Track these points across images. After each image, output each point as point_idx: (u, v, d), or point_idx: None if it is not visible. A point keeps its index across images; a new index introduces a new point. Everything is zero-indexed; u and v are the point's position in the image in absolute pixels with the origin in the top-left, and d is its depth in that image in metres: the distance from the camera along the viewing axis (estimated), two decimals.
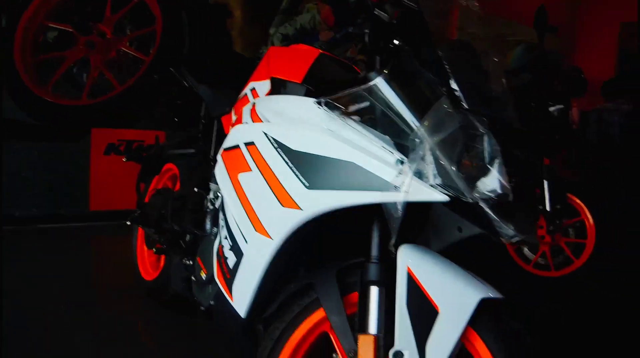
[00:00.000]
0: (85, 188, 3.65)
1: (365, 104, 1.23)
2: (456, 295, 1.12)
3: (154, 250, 2.17)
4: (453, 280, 1.15)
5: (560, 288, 3.19)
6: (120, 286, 2.69)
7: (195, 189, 2.02)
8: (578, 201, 3.23)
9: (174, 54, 3.53)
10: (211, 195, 1.93)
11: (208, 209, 1.93)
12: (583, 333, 2.65)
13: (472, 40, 1.34)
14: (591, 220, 3.18)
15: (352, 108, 1.27)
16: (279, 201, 1.26)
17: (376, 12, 1.19)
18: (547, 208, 3.13)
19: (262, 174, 1.33)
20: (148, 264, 2.52)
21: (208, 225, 1.90)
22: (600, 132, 4.79)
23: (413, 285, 1.14)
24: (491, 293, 1.13)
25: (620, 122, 4.67)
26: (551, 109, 3.37)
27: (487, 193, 1.03)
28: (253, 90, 1.70)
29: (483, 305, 1.11)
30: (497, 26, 4.88)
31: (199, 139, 2.21)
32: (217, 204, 1.78)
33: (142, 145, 2.83)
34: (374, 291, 1.19)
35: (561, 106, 3.39)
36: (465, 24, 1.34)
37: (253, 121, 1.49)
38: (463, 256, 1.33)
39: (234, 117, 1.77)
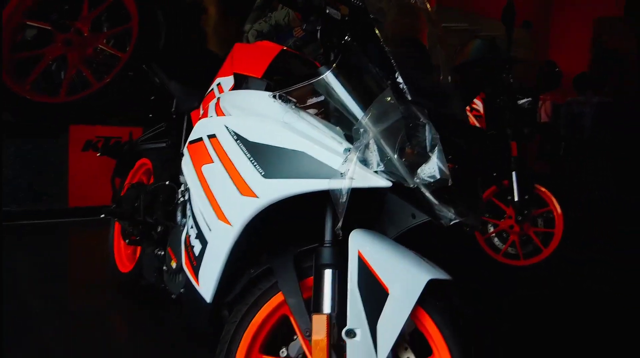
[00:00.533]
0: (64, 184, 3.69)
1: (320, 97, 1.31)
2: (405, 277, 1.19)
3: (127, 241, 2.22)
4: (402, 263, 1.22)
5: (528, 276, 3.30)
6: (97, 278, 2.74)
7: (167, 183, 2.08)
8: (546, 191, 3.32)
9: (150, 51, 3.58)
10: (182, 188, 1.99)
11: (179, 201, 2.00)
12: (550, 318, 2.75)
13: (421, 36, 1.41)
14: (559, 210, 3.28)
15: (307, 101, 1.34)
16: (238, 190, 1.33)
17: (328, 11, 1.25)
18: (516, 198, 3.23)
19: (223, 165, 1.40)
20: (124, 256, 2.58)
21: (179, 217, 1.97)
22: (571, 124, 4.90)
23: (363, 267, 1.21)
24: (440, 275, 1.21)
25: (590, 114, 4.79)
26: (520, 102, 3.46)
27: (427, 178, 1.10)
28: (219, 85, 1.76)
29: (432, 286, 1.18)
30: (468, 21, 4.98)
31: (170, 134, 2.27)
32: (187, 196, 1.84)
33: (120, 141, 2.87)
34: (327, 273, 1.26)
35: (529, 99, 3.48)
36: (415, 21, 1.41)
37: (217, 115, 1.55)
38: (422, 243, 1.41)
39: (201, 112, 1.83)
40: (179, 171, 1.95)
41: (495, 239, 3.46)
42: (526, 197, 3.24)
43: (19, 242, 3.18)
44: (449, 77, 1.32)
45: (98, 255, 2.91)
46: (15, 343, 2.00)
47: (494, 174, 3.37)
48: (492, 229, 3.44)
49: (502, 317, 2.70)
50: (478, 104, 3.46)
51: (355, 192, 1.17)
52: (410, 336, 1.34)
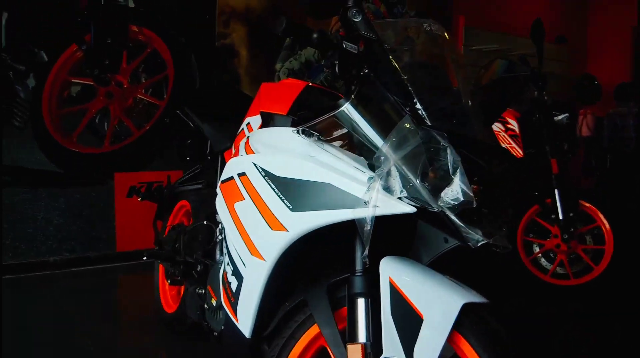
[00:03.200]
0: (112, 230, 3.81)
1: (343, 129, 1.34)
2: (439, 301, 1.18)
3: (169, 281, 2.28)
4: (436, 287, 1.21)
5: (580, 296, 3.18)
6: (144, 319, 2.81)
7: (205, 222, 2.13)
8: (592, 207, 3.23)
9: (187, 96, 3.72)
10: (220, 226, 2.04)
11: (217, 240, 2.04)
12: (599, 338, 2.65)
13: (439, 61, 1.43)
14: (607, 225, 3.18)
15: (332, 134, 1.37)
16: (268, 224, 1.35)
17: (344, 46, 1.29)
18: (560, 216, 3.15)
19: (253, 202, 1.43)
20: (169, 297, 2.64)
21: (217, 255, 2.02)
22: (614, 137, 4.77)
23: (396, 294, 1.21)
24: (475, 298, 1.19)
25: (634, 125, 4.65)
26: (557, 118, 3.41)
27: (450, 201, 1.10)
28: (248, 125, 1.81)
29: (468, 310, 1.17)
30: (499, 41, 4.97)
31: (206, 174, 2.34)
32: (224, 234, 1.88)
33: (162, 185, 2.97)
34: (360, 302, 1.26)
35: (566, 115, 3.43)
36: (433, 47, 1.42)
37: (247, 154, 1.60)
38: (459, 269, 1.39)
39: (233, 151, 1.89)
40: (215, 211, 1.99)
41: (542, 260, 3.36)
42: (571, 214, 3.16)
43: (71, 287, 3.29)
44: (470, 99, 1.33)
45: (145, 297, 2.98)
46: None
47: (536, 194, 3.30)
48: (537, 249, 3.35)
49: (549, 339, 2.61)
50: (513, 124, 3.42)
51: (384, 220, 1.18)
52: None
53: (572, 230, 3.15)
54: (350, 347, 1.22)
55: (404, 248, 1.44)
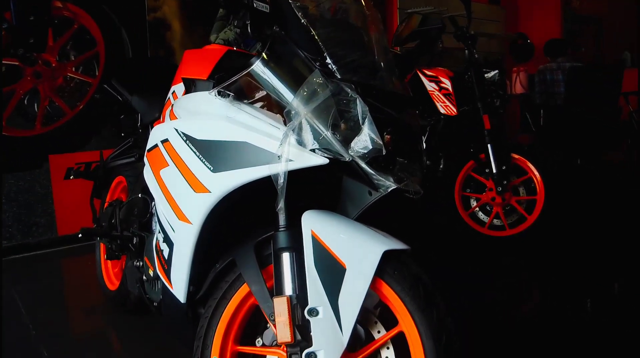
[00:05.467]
0: (51, 214, 3.72)
1: (262, 90, 1.35)
2: (360, 250, 1.22)
3: (108, 258, 2.26)
4: (356, 237, 1.25)
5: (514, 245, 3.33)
6: (89, 299, 2.78)
7: (140, 195, 2.12)
8: (523, 159, 3.35)
9: (119, 72, 3.62)
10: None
11: (153, 211, 2.03)
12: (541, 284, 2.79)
13: (353, 18, 1.45)
14: (538, 176, 3.31)
15: (250, 94, 1.38)
16: (191, 188, 1.37)
17: (255, 5, 1.29)
18: (493, 169, 3.26)
19: (176, 167, 1.44)
20: (112, 275, 2.62)
21: (154, 226, 2.01)
22: (545, 92, 4.94)
23: (318, 246, 1.24)
24: (396, 245, 1.23)
25: (563, 80, 4.82)
26: (487, 75, 3.50)
27: (360, 150, 1.14)
28: (173, 93, 1.80)
29: (390, 257, 1.21)
30: (434, 3, 5.03)
31: (138, 147, 2.31)
32: None
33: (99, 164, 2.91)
34: (284, 256, 1.29)
35: (496, 71, 3.52)
36: (343, 3, 1.44)
37: (170, 120, 1.59)
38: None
39: (162, 121, 1.87)
40: None
41: (480, 213, 3.49)
42: (504, 168, 3.27)
43: (12, 275, 3.21)
44: (383, 53, 1.36)
45: (89, 279, 2.95)
46: None
47: (471, 150, 3.41)
48: (475, 203, 3.47)
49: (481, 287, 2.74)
50: (447, 83, 3.49)
51: (305, 174, 1.20)
52: (379, 310, 1.38)
53: (505, 182, 3.27)
54: (276, 299, 1.25)
55: (332, 205, 1.47)
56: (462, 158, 3.45)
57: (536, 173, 3.32)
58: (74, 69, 3.82)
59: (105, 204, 2.62)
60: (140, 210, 2.11)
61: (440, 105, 3.46)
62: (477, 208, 3.48)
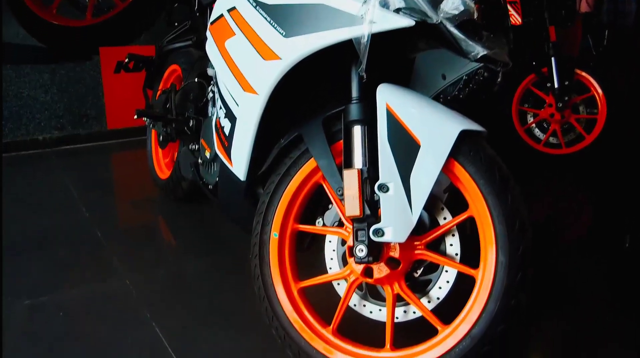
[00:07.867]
0: (101, 107, 3.74)
1: None
2: (436, 128, 1.16)
3: (161, 144, 2.26)
4: (433, 114, 1.18)
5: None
6: (140, 188, 2.84)
7: (196, 80, 2.08)
8: (587, 76, 3.18)
9: None
10: (212, 83, 1.98)
11: (209, 97, 2.00)
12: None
13: None
14: (601, 94, 3.15)
15: None
16: (261, 55, 1.30)
17: None
18: (555, 84, 3.11)
19: (244, 35, 1.37)
20: (163, 164, 2.64)
21: (210, 111, 1.98)
22: (614, 12, 4.61)
23: (393, 120, 1.18)
24: (472, 126, 1.17)
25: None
26: None
27: (450, 11, 1.05)
28: None
29: (465, 138, 1.15)
30: None
31: (196, 30, 2.24)
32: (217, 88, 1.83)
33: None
34: (356, 129, 1.24)
35: None
36: None
37: None
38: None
39: None
40: (208, 68, 1.93)
41: (536, 129, 3.36)
42: (566, 83, 3.12)
43: (64, 164, 3.28)
44: None
45: (140, 173, 2.99)
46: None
47: (533, 63, 3.23)
48: (531, 119, 3.34)
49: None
50: None
51: (382, 45, 1.12)
52: (446, 195, 1.33)
53: (566, 98, 3.12)
54: (346, 172, 1.21)
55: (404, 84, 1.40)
56: (523, 70, 3.28)
57: (600, 91, 3.15)
58: None
59: (158, 93, 2.60)
60: (196, 95, 2.08)
61: None
62: (534, 124, 3.35)
